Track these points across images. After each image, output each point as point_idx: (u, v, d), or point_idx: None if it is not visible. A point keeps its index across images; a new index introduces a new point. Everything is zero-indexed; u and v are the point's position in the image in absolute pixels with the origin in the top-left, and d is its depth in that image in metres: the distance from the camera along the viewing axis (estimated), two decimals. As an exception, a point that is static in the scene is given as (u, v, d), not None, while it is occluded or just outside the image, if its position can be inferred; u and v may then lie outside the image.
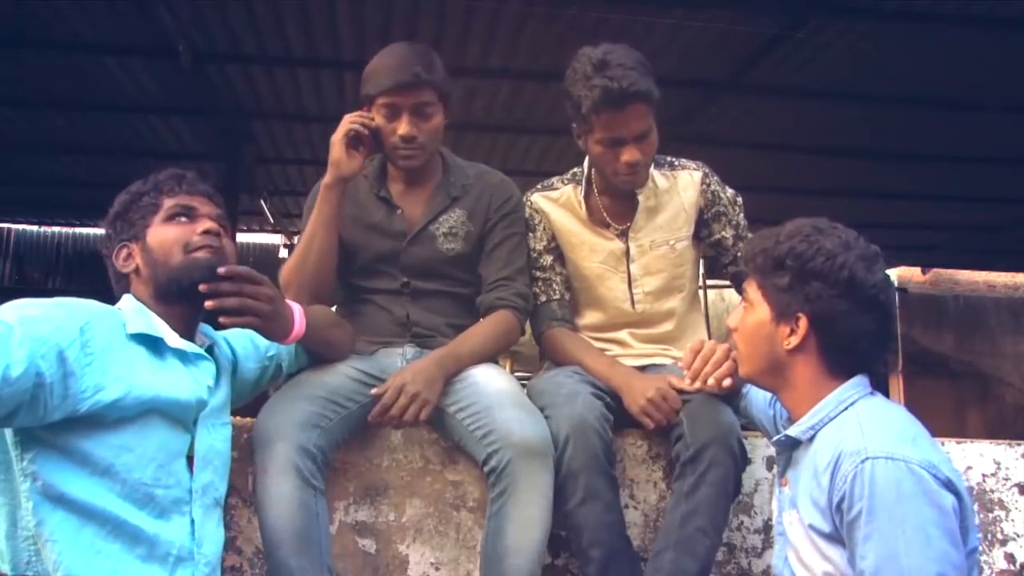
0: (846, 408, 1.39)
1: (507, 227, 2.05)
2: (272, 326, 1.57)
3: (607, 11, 4.09)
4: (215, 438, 1.54)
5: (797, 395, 1.45)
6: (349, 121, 1.91)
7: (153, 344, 1.43)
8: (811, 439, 1.42)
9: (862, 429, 1.32)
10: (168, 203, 1.56)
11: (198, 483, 1.47)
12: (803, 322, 1.40)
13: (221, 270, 1.48)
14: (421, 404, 1.73)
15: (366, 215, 2.03)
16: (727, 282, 2.29)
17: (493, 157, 6.26)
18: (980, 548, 2.02)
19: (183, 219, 1.55)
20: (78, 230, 9.69)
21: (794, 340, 1.41)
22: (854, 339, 1.39)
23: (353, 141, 1.91)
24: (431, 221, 2.01)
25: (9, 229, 9.63)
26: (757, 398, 1.76)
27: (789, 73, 4.82)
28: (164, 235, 1.53)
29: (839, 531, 1.31)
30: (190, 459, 1.47)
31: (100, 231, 1.62)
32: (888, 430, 1.31)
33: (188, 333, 1.54)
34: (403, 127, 1.89)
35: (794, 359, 1.43)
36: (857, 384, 1.41)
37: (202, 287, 1.47)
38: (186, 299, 1.51)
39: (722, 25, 4.24)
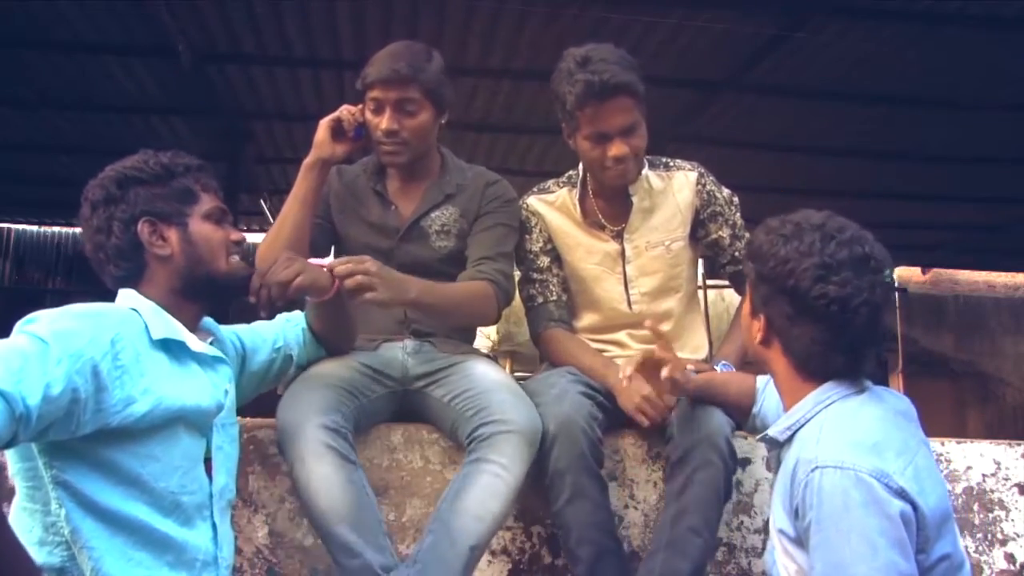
0: (820, 411, 1.37)
1: (495, 217, 2.05)
2: (315, 285, 1.60)
3: (607, 11, 4.10)
4: (224, 439, 1.53)
5: (782, 388, 1.46)
6: (341, 109, 1.96)
7: (174, 348, 1.41)
8: (790, 440, 1.42)
9: (820, 436, 1.31)
10: (207, 200, 1.53)
11: (216, 486, 1.46)
12: (763, 320, 1.41)
13: (256, 284, 1.52)
14: (364, 282, 1.64)
15: (363, 209, 2.05)
16: (727, 282, 2.29)
17: (493, 157, 6.26)
18: (980, 548, 2.02)
19: (216, 221, 1.54)
20: (78, 230, 9.66)
21: (759, 336, 1.43)
22: (806, 345, 1.37)
23: (337, 128, 1.95)
24: (422, 216, 2.02)
25: (9, 229, 9.61)
26: (769, 411, 1.75)
27: (789, 73, 4.82)
28: (209, 234, 1.51)
29: (801, 536, 1.30)
30: (207, 463, 1.46)
31: (97, 189, 1.51)
32: (845, 437, 1.29)
33: (194, 328, 1.52)
34: (384, 122, 1.92)
35: (767, 354, 1.44)
36: (835, 386, 1.38)
37: (252, 299, 1.51)
38: (210, 299, 1.52)
39: (722, 25, 4.24)
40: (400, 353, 1.94)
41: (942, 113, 5.34)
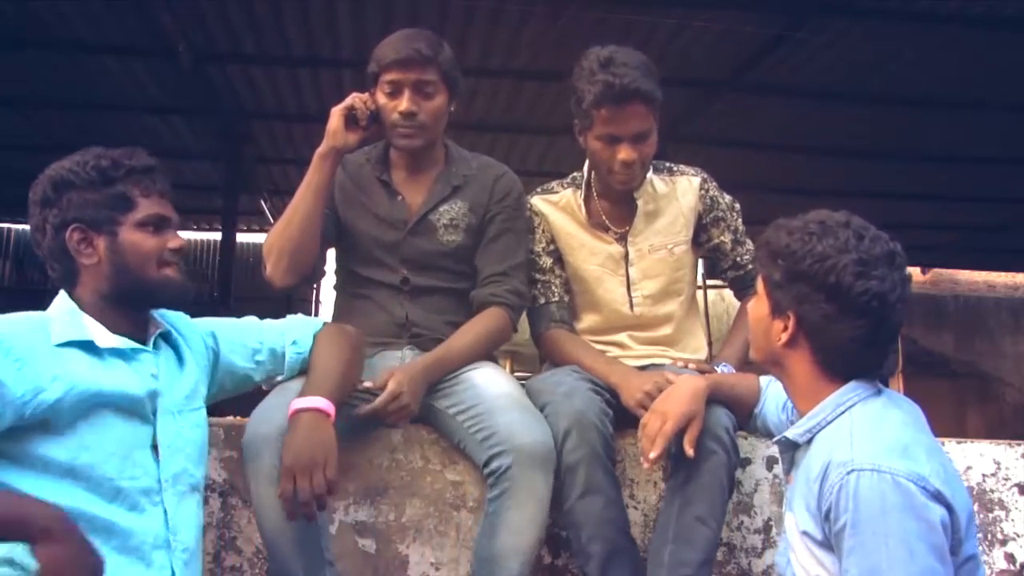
0: (843, 412, 1.36)
1: (506, 220, 2.04)
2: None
3: (607, 11, 4.10)
4: (182, 425, 1.51)
5: (797, 389, 1.44)
6: (352, 97, 1.93)
7: (87, 346, 1.41)
8: (809, 442, 1.41)
9: (852, 438, 1.30)
10: (144, 206, 1.47)
11: (167, 472, 1.45)
12: (792, 321, 1.38)
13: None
14: (406, 414, 1.74)
15: (368, 201, 2.03)
16: (727, 285, 2.30)
17: (493, 157, 6.23)
18: (980, 548, 2.02)
19: (154, 228, 1.49)
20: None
21: (784, 337, 1.40)
22: (843, 343, 1.36)
23: (351, 117, 1.91)
24: (431, 210, 2.00)
25: (9, 229, 9.64)
26: (769, 411, 1.75)
27: (789, 73, 4.83)
28: (139, 243, 1.46)
29: (829, 539, 1.29)
30: (157, 449, 1.45)
31: (35, 194, 1.47)
32: (878, 440, 1.28)
33: (137, 329, 1.50)
34: (403, 103, 1.90)
35: (789, 355, 1.42)
36: (856, 388, 1.38)
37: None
38: (138, 305, 1.51)
39: (722, 25, 4.24)
40: (399, 364, 1.91)
41: (942, 113, 5.35)
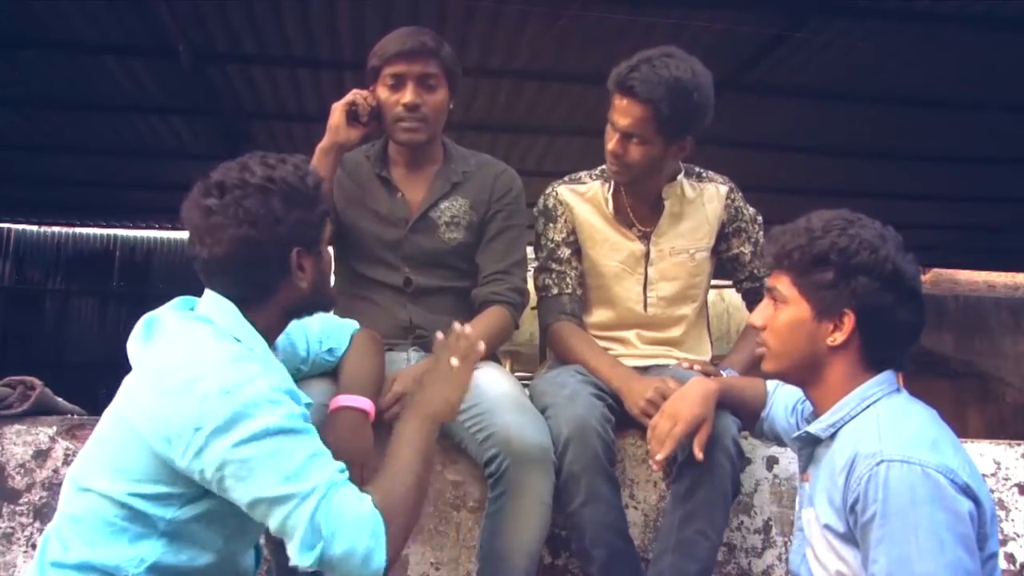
0: (868, 407, 1.37)
1: (506, 218, 2.04)
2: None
3: (607, 11, 4.09)
4: None
5: (827, 391, 1.43)
6: (353, 93, 1.94)
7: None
8: (832, 437, 1.41)
9: (880, 430, 1.30)
10: (328, 223, 1.44)
11: None
12: (849, 318, 1.38)
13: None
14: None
15: (369, 199, 2.03)
16: (727, 282, 2.30)
17: (493, 157, 6.24)
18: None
19: (328, 245, 1.47)
20: (78, 230, 9.69)
21: (839, 337, 1.38)
22: (897, 331, 1.38)
23: (352, 113, 1.92)
24: (431, 207, 2.01)
25: (9, 229, 9.62)
26: (777, 415, 1.75)
27: (789, 73, 4.82)
28: (328, 262, 1.45)
29: (853, 532, 1.30)
30: None
31: (257, 203, 1.30)
32: (906, 432, 1.29)
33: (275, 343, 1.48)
34: (407, 95, 1.91)
35: (834, 355, 1.40)
36: (881, 382, 1.39)
37: None
38: (301, 318, 1.49)
39: (722, 25, 4.23)
40: (404, 367, 1.93)
41: (942, 113, 5.34)
